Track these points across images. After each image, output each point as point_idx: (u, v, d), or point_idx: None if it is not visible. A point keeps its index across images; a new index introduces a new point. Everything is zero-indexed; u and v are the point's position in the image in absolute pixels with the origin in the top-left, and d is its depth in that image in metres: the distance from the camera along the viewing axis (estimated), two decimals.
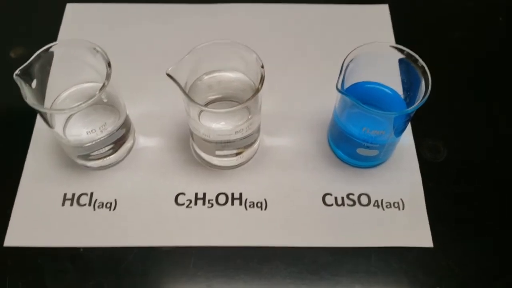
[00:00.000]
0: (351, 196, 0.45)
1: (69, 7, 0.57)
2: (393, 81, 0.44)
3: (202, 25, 0.56)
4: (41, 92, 0.41)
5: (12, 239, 0.42)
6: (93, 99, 0.38)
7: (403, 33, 0.55)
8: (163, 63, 0.52)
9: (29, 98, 0.38)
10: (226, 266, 0.41)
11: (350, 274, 0.41)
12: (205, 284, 0.41)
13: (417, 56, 0.40)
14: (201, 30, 0.56)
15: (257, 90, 0.39)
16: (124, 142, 0.45)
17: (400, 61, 0.42)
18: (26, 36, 0.56)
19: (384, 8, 0.57)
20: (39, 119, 0.49)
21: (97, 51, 0.40)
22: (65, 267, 0.41)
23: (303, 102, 0.50)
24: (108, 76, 0.39)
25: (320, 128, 0.48)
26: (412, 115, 0.41)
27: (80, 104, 0.38)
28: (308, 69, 0.53)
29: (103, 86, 0.39)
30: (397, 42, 0.54)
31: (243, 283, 0.41)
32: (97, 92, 0.38)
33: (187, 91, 0.40)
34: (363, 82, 0.44)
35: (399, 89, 0.44)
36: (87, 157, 0.44)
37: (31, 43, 0.54)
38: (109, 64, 0.39)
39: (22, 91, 0.38)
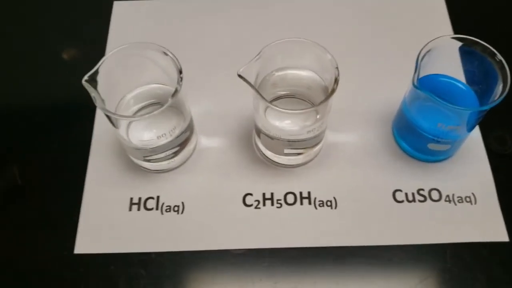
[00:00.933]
0: (421, 192, 0.44)
1: (117, 5, 0.56)
2: (461, 74, 0.43)
3: (258, 16, 0.55)
4: (106, 93, 0.40)
5: (82, 246, 0.42)
6: (165, 106, 0.37)
7: (460, 23, 0.54)
8: (220, 59, 0.52)
9: (99, 103, 0.37)
10: (299, 267, 0.41)
11: (425, 271, 0.41)
12: (280, 286, 0.40)
13: (494, 50, 0.39)
14: (258, 22, 0.55)
15: (332, 91, 0.38)
16: (187, 144, 0.45)
17: (469, 52, 0.41)
18: (77, 37, 0.55)
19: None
20: (98, 121, 0.48)
21: (167, 55, 0.39)
22: (138, 273, 0.41)
23: (364, 97, 0.49)
24: (179, 84, 0.38)
25: (384, 122, 0.47)
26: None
27: (152, 112, 0.37)
28: (367, 61, 0.52)
29: (175, 92, 0.38)
30: (454, 29, 0.53)
31: (316, 283, 0.40)
32: (169, 99, 0.37)
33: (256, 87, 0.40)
34: (434, 74, 0.43)
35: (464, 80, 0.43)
36: (150, 159, 0.44)
37: (82, 44, 0.54)
38: (180, 72, 0.38)
39: (92, 97, 0.37)
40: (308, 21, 0.55)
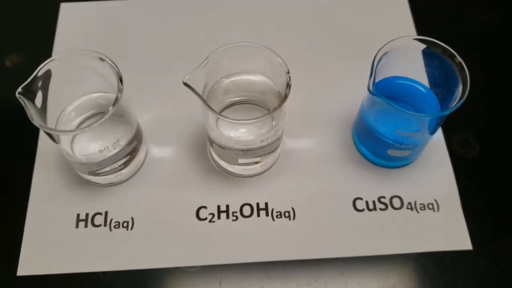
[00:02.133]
0: (382, 200, 0.42)
1: (64, 7, 0.53)
2: (423, 76, 0.41)
3: (208, 19, 0.53)
4: (44, 107, 0.38)
5: (25, 268, 0.39)
6: (106, 116, 0.35)
7: (423, 22, 0.52)
8: (170, 63, 0.49)
9: (36, 119, 0.35)
10: (256, 282, 0.39)
11: (388, 282, 0.39)
12: None
13: (454, 52, 0.37)
14: (208, 24, 0.52)
15: (284, 97, 0.36)
16: (136, 155, 0.42)
17: (430, 54, 0.39)
18: (20, 42, 0.51)
19: None
20: (42, 134, 0.45)
21: (104, 60, 0.36)
22: None
23: (323, 100, 0.47)
24: (120, 91, 0.35)
25: (344, 127, 0.46)
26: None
27: (93, 123, 0.34)
28: (326, 64, 0.49)
29: (116, 100, 0.35)
30: (417, 30, 0.51)
31: None
32: (110, 108, 0.35)
33: (205, 96, 0.37)
34: (392, 77, 0.41)
35: (426, 83, 0.41)
36: (97, 173, 0.41)
37: (26, 49, 0.50)
38: (120, 78, 0.36)
39: (27, 111, 0.35)
40: (262, 22, 0.52)
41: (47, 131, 0.35)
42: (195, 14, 0.53)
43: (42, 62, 0.37)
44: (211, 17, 0.53)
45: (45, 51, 0.49)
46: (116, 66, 0.36)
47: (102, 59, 0.36)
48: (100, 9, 0.53)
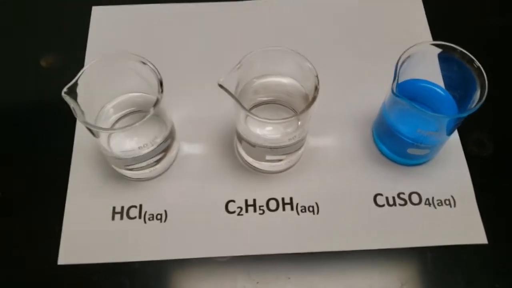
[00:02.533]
0: (402, 196, 0.45)
1: (96, 10, 0.55)
2: (440, 79, 0.43)
3: (240, 23, 0.55)
4: (86, 104, 0.40)
5: (65, 257, 0.42)
6: (147, 117, 0.37)
7: (439, 29, 0.54)
8: (201, 65, 0.52)
9: (80, 116, 0.37)
10: (282, 273, 0.41)
11: (406, 274, 0.41)
12: None
13: (472, 57, 0.39)
14: (239, 29, 0.55)
15: (313, 100, 0.38)
16: (169, 152, 0.45)
17: (448, 59, 0.41)
18: (55, 43, 0.54)
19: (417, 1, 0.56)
20: (78, 130, 0.47)
21: (145, 64, 0.39)
22: (122, 283, 0.41)
23: (344, 101, 0.49)
24: (160, 93, 0.38)
25: (364, 126, 0.48)
26: None
27: (133, 123, 0.37)
28: (348, 66, 0.52)
29: (157, 102, 0.38)
30: (433, 34, 0.53)
31: None
32: (151, 109, 0.37)
33: (236, 96, 0.39)
34: (414, 80, 0.43)
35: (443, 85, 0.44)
36: (132, 168, 0.43)
37: (61, 50, 0.53)
38: (161, 83, 0.38)
39: (72, 109, 0.37)
40: (289, 28, 0.55)
41: (91, 128, 0.38)
42: (226, 18, 0.55)
43: (75, 62, 0.39)
44: (241, 21, 0.55)
45: (78, 52, 0.52)
46: (157, 70, 0.39)
47: (144, 63, 0.39)
48: (131, 12, 0.56)
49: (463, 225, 0.43)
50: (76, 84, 0.38)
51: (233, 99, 0.38)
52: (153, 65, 0.39)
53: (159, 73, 0.38)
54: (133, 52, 0.39)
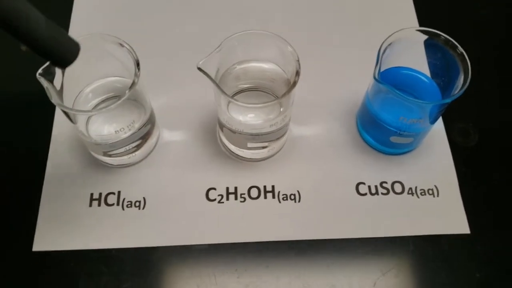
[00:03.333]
0: (384, 185, 0.44)
1: None
2: (426, 67, 0.43)
3: (221, 9, 0.54)
4: (62, 88, 0.39)
5: (40, 244, 0.41)
6: (122, 99, 0.36)
7: (426, 11, 0.54)
8: (183, 51, 0.51)
9: (54, 98, 0.36)
10: (263, 261, 0.41)
11: (388, 263, 0.41)
12: (243, 281, 0.40)
13: (456, 43, 0.39)
14: (221, 14, 0.54)
15: (293, 84, 0.37)
16: (149, 138, 0.44)
17: (433, 45, 0.41)
18: None
19: None
20: (57, 116, 0.47)
21: (123, 46, 0.38)
22: (98, 269, 0.40)
23: (328, 89, 0.49)
24: (137, 75, 0.37)
25: (348, 115, 0.47)
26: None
27: (109, 105, 0.36)
28: (332, 55, 0.51)
29: (132, 84, 0.37)
30: (420, 21, 0.53)
31: (279, 277, 0.40)
32: (126, 91, 0.36)
33: (217, 81, 0.39)
34: (398, 67, 0.42)
35: (428, 73, 0.43)
36: (111, 154, 0.43)
37: None
38: (137, 64, 0.37)
39: (46, 91, 0.36)
40: (271, 13, 0.54)
41: (66, 110, 0.37)
42: (208, 3, 0.55)
43: None
44: (224, 5, 0.55)
45: None
46: (134, 52, 0.38)
47: (121, 45, 0.38)
48: None
49: (446, 214, 0.43)
50: (51, 66, 0.37)
51: (213, 83, 0.37)
52: (130, 46, 0.38)
53: (135, 54, 0.38)
54: (116, 36, 0.39)
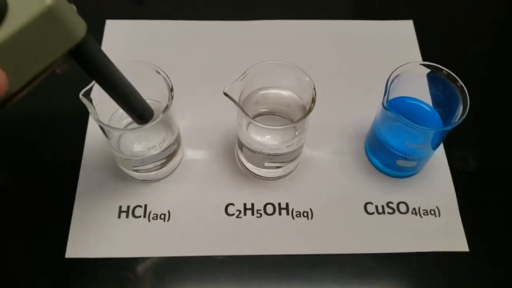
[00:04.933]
0: (390, 205, 0.48)
1: (109, 24, 0.59)
2: (429, 97, 0.47)
3: (244, 38, 0.59)
4: (100, 107, 0.43)
5: (72, 251, 0.44)
6: (156, 121, 0.40)
7: (428, 47, 0.59)
8: (206, 76, 0.56)
9: (94, 115, 0.40)
10: (278, 273, 0.44)
11: (394, 278, 0.44)
12: None
13: (456, 76, 0.43)
14: (243, 43, 0.59)
15: (309, 110, 0.41)
16: (174, 156, 0.48)
17: (435, 78, 0.45)
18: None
19: (409, 24, 0.60)
20: (90, 132, 0.51)
21: (159, 73, 0.42)
22: (126, 277, 0.44)
23: (339, 114, 0.53)
24: (170, 101, 0.41)
25: (357, 139, 0.51)
26: None
27: (144, 126, 0.40)
28: (344, 82, 0.56)
29: (166, 108, 0.41)
30: (423, 56, 0.58)
31: None
32: (161, 114, 0.40)
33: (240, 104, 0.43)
34: (403, 97, 0.47)
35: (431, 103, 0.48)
36: (140, 169, 0.46)
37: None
38: (171, 90, 0.41)
39: (89, 109, 0.40)
40: (289, 44, 0.59)
41: (104, 127, 0.41)
42: (229, 34, 0.60)
43: None
44: (247, 37, 0.59)
45: None
46: (169, 79, 0.42)
47: (157, 72, 0.42)
48: (142, 26, 0.60)
49: (446, 233, 0.46)
50: (91, 88, 0.41)
51: (236, 106, 0.41)
52: (165, 74, 0.42)
53: (170, 82, 0.42)
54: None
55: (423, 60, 0.57)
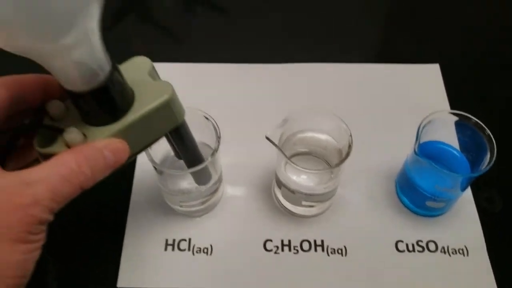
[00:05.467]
0: (420, 243, 0.50)
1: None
2: (457, 142, 0.50)
3: (282, 82, 0.63)
4: (154, 148, 0.46)
5: (124, 281, 0.48)
6: (204, 164, 0.44)
7: (455, 91, 0.62)
8: (246, 117, 0.59)
9: (149, 156, 0.44)
10: None
11: None
12: None
13: (483, 125, 0.46)
14: (282, 87, 0.63)
15: (346, 156, 0.45)
16: (216, 193, 0.51)
17: (463, 125, 0.48)
18: None
19: (435, 68, 0.64)
20: (138, 171, 0.55)
21: (208, 120, 0.46)
22: None
23: (373, 156, 0.56)
24: (217, 146, 0.45)
25: (388, 180, 0.54)
26: None
27: (192, 169, 0.44)
28: (377, 126, 0.59)
29: (213, 153, 0.45)
30: (449, 98, 0.61)
31: None
32: (209, 158, 0.44)
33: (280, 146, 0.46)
34: (432, 141, 0.50)
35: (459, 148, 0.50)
36: (185, 205, 0.50)
37: None
38: (219, 138, 0.45)
39: (145, 153, 0.44)
40: (323, 86, 0.62)
41: (158, 168, 0.45)
42: (268, 76, 0.64)
43: None
44: (282, 81, 0.63)
45: None
46: (218, 126, 0.46)
47: (207, 118, 0.46)
48: (186, 69, 0.64)
49: (475, 273, 0.48)
50: None
51: (277, 149, 0.45)
52: (214, 121, 0.46)
53: (219, 130, 0.46)
54: (187, 105, 0.47)
55: (450, 103, 0.60)
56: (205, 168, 0.45)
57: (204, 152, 0.44)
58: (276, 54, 0.66)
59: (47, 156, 0.33)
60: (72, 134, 0.33)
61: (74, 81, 0.32)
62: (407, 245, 0.50)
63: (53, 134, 0.34)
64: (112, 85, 0.33)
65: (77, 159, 0.31)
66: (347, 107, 0.59)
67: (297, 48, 0.68)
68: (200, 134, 0.48)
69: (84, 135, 0.34)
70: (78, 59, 0.30)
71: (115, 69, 0.33)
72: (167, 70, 0.64)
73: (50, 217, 0.31)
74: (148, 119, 0.35)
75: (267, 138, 0.45)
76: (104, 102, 0.33)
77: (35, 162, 0.34)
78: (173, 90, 0.36)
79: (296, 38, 0.69)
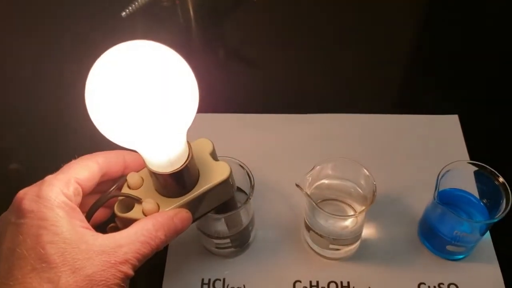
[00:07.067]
0: (442, 286, 0.53)
1: None
2: (475, 189, 0.53)
3: (308, 132, 0.67)
4: None
5: None
6: (238, 209, 0.48)
7: (474, 140, 0.65)
8: (272, 164, 0.63)
9: None
10: None
11: None
12: None
13: (499, 175, 0.50)
14: (308, 136, 0.67)
15: (371, 202, 0.48)
16: (249, 236, 0.55)
17: (480, 174, 0.51)
18: None
19: (455, 119, 0.68)
20: None
21: (243, 168, 0.50)
22: None
23: (395, 202, 0.59)
24: (251, 194, 0.49)
25: (411, 224, 0.57)
26: None
27: (227, 213, 0.48)
28: (399, 175, 0.62)
29: (247, 200, 0.49)
30: (468, 149, 0.64)
31: None
32: (242, 204, 0.48)
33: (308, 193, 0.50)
34: (452, 188, 0.53)
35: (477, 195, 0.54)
36: (219, 247, 0.54)
37: None
38: (253, 186, 0.50)
39: None
40: (351, 139, 0.67)
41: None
42: (294, 126, 0.68)
43: None
44: (308, 131, 0.68)
45: None
46: (252, 175, 0.50)
47: (242, 167, 0.50)
48: (217, 119, 0.69)
49: None
50: None
51: (306, 196, 0.49)
52: (249, 169, 0.50)
53: (253, 178, 0.50)
54: (219, 153, 0.50)
55: (469, 153, 0.63)
56: (237, 214, 0.50)
57: (237, 196, 0.49)
58: (301, 105, 0.71)
59: (124, 220, 0.40)
60: (150, 204, 0.41)
61: (160, 166, 0.40)
62: (429, 287, 0.53)
63: (131, 201, 0.42)
64: (187, 169, 0.41)
65: (155, 226, 0.39)
66: (371, 155, 0.64)
67: (322, 98, 0.73)
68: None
69: (157, 204, 0.41)
70: (169, 155, 0.39)
71: (191, 158, 0.41)
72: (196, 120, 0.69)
73: (133, 273, 0.37)
74: (209, 194, 0.43)
75: (297, 185, 0.49)
76: (180, 180, 0.41)
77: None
78: (230, 171, 0.43)
79: (321, 90, 0.75)
